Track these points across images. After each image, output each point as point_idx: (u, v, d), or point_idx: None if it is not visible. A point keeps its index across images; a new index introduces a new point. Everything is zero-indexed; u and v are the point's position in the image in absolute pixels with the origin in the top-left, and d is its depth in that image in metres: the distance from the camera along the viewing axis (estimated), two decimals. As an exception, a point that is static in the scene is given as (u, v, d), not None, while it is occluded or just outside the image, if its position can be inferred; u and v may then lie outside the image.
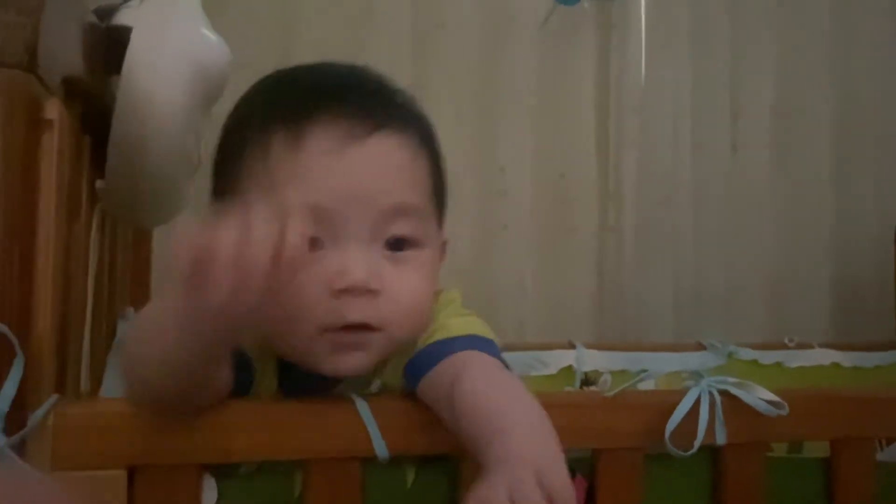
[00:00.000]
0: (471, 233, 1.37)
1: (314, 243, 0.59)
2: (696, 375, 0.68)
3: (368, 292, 0.60)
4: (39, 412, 0.52)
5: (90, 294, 0.76)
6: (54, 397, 0.54)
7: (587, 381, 1.15)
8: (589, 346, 1.17)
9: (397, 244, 0.62)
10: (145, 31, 0.74)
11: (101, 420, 0.54)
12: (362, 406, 0.59)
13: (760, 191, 1.53)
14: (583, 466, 0.66)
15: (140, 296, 1.05)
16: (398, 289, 0.61)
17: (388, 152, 0.62)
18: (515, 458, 0.48)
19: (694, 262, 1.49)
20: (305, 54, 1.26)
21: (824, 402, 0.72)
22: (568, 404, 0.65)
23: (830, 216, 1.55)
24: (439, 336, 0.64)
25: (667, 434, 0.64)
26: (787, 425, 0.67)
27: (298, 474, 0.59)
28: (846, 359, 1.26)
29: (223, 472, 0.58)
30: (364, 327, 0.60)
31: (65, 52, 0.62)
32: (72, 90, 0.63)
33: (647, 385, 1.11)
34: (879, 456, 0.73)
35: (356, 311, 0.59)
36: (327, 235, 0.60)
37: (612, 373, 1.16)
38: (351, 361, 0.61)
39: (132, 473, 0.54)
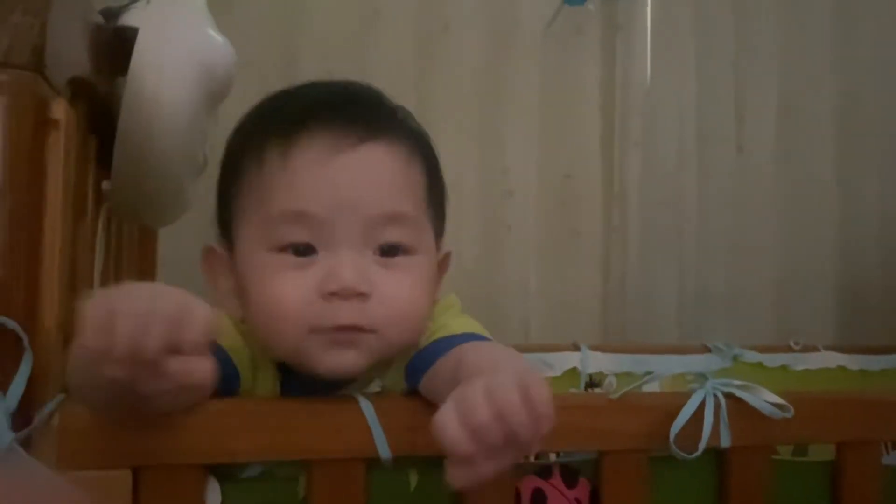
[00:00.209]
0: (475, 234, 1.37)
1: (306, 249, 0.61)
2: (701, 378, 0.68)
3: (358, 295, 0.60)
4: (45, 411, 0.52)
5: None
6: (60, 396, 0.54)
7: (592, 382, 1.15)
8: (594, 347, 1.17)
9: (390, 250, 0.63)
10: (151, 31, 0.74)
11: (107, 420, 0.54)
12: (366, 405, 0.59)
13: (765, 192, 1.52)
14: (587, 468, 0.66)
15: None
16: (389, 292, 0.62)
17: (377, 161, 0.63)
18: (499, 370, 0.49)
19: (699, 264, 1.48)
20: (310, 55, 1.27)
21: (830, 405, 0.72)
22: (572, 406, 0.65)
23: (836, 218, 1.55)
24: (441, 335, 0.65)
25: (671, 436, 0.63)
26: (792, 428, 0.67)
27: (302, 478, 0.59)
28: (852, 362, 1.25)
29: (227, 475, 0.58)
30: (355, 328, 0.61)
31: (71, 53, 0.63)
32: (78, 90, 0.63)
33: (652, 387, 1.10)
34: (885, 459, 0.73)
35: (346, 313, 0.60)
36: (319, 242, 0.62)
37: (617, 375, 1.16)
38: (344, 359, 0.61)
39: (137, 473, 0.54)
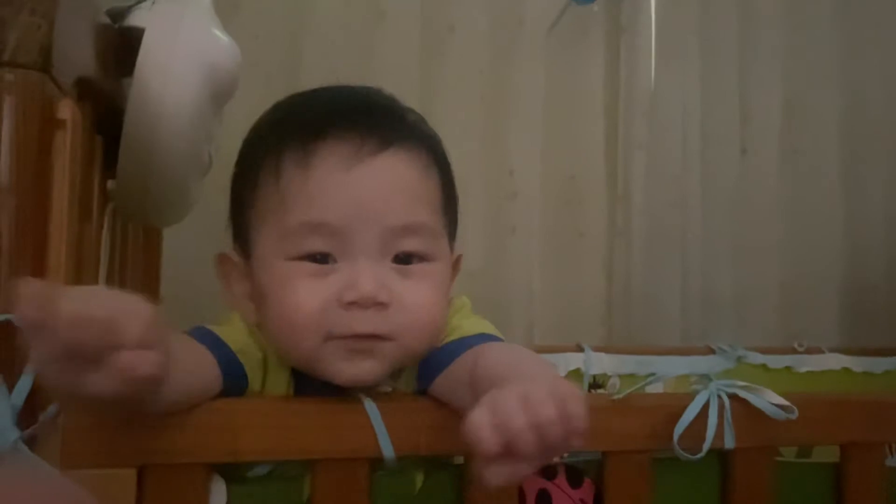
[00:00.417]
0: (480, 235, 1.37)
1: (325, 258, 0.62)
2: (705, 379, 0.68)
3: (377, 304, 0.60)
4: (51, 409, 0.52)
5: (101, 293, 0.77)
6: (65, 395, 0.54)
7: (595, 383, 1.15)
8: (597, 348, 1.17)
9: (406, 258, 0.63)
10: (157, 32, 0.74)
11: (111, 418, 0.54)
12: (370, 406, 0.59)
13: (770, 194, 1.52)
14: (592, 469, 0.66)
15: (150, 295, 1.05)
16: (408, 300, 0.62)
17: (396, 170, 0.63)
18: (530, 378, 0.49)
19: (703, 266, 1.48)
20: (315, 56, 1.27)
21: (834, 406, 0.72)
22: (576, 407, 0.65)
23: (840, 219, 1.55)
24: (454, 336, 0.66)
25: (675, 437, 0.63)
26: (796, 430, 0.67)
27: (307, 477, 0.59)
28: (856, 363, 1.25)
29: (232, 475, 0.58)
30: (374, 337, 0.61)
31: (78, 53, 0.63)
32: (85, 90, 0.63)
33: (656, 388, 1.11)
34: (889, 461, 0.73)
35: (365, 322, 0.60)
36: (338, 251, 0.62)
37: (621, 376, 1.16)
38: (363, 368, 0.61)
39: (141, 472, 0.54)
